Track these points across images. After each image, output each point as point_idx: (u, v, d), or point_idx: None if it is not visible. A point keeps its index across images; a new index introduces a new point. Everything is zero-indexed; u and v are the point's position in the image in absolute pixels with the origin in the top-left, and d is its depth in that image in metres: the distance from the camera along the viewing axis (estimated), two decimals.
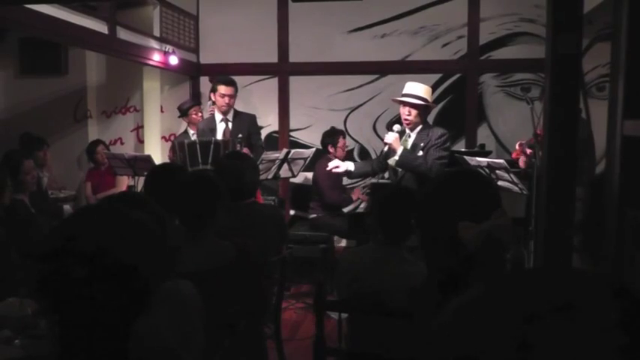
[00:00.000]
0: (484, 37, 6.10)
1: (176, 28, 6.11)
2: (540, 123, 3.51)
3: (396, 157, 4.07)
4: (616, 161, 2.86)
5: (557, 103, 2.57)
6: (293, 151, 4.72)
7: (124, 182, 5.84)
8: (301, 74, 6.39)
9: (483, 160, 4.15)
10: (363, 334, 2.35)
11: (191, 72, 6.49)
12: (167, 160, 6.09)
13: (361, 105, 6.35)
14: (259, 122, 5.54)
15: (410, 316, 1.57)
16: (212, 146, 4.39)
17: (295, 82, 6.45)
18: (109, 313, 1.05)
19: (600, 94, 4.63)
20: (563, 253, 2.62)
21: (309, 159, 4.85)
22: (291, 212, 6.21)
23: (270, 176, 4.58)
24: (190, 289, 1.79)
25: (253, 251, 2.42)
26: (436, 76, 6.18)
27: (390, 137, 4.09)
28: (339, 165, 4.45)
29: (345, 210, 5.24)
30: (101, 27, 4.90)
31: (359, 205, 5.55)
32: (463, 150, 5.50)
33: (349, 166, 4.49)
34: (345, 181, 5.94)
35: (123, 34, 5.17)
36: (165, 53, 5.66)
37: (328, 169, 4.51)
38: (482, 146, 5.76)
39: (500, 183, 3.96)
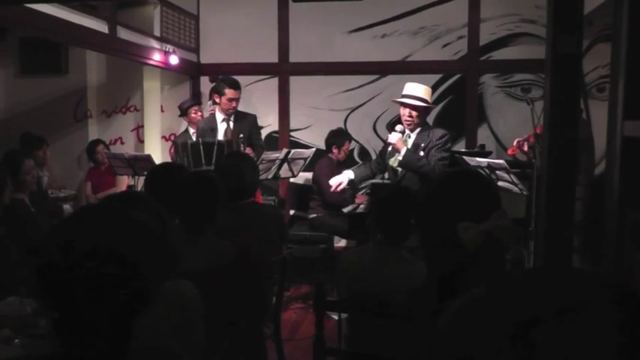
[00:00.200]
0: (484, 38, 6.10)
1: (176, 27, 6.11)
2: (540, 123, 3.51)
3: (400, 158, 4.07)
4: (616, 162, 2.86)
5: (558, 104, 2.57)
6: (293, 151, 4.71)
7: (124, 182, 5.84)
8: (301, 74, 6.39)
9: (483, 161, 4.15)
10: (363, 334, 2.35)
11: (191, 72, 6.49)
12: (167, 160, 6.10)
13: (361, 105, 6.35)
14: (259, 122, 5.53)
15: (410, 316, 1.57)
16: (215, 147, 4.39)
17: (295, 82, 6.45)
18: (109, 312, 1.05)
19: (600, 95, 4.63)
20: (563, 254, 2.62)
21: (309, 159, 4.85)
22: (291, 212, 6.21)
23: (270, 176, 4.58)
24: (190, 289, 1.79)
25: (253, 251, 2.42)
26: (436, 77, 6.18)
27: (394, 137, 4.09)
28: (341, 181, 4.47)
29: (345, 210, 5.25)
30: (101, 26, 4.90)
31: (359, 205, 5.55)
32: (463, 150, 5.50)
33: (350, 175, 4.49)
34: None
35: (123, 33, 5.17)
36: (166, 53, 5.66)
37: (332, 189, 4.53)
38: (483, 147, 5.76)
39: (500, 183, 3.96)
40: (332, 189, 4.51)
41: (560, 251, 2.62)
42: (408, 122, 4.14)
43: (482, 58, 6.13)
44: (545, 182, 2.65)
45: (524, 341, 0.51)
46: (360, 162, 5.96)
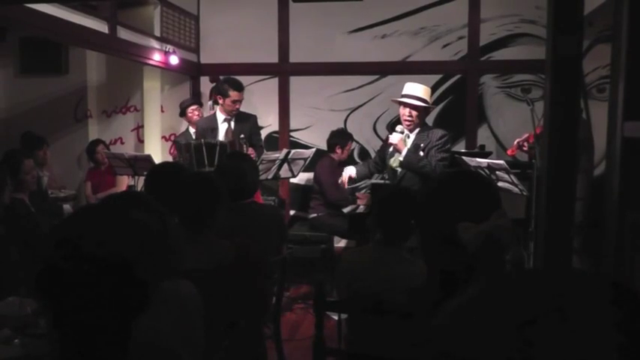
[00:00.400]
0: (484, 38, 6.09)
1: (176, 27, 6.11)
2: (540, 124, 3.51)
3: (401, 158, 4.07)
4: (616, 162, 2.86)
5: (558, 104, 2.58)
6: (293, 151, 4.72)
7: (124, 182, 5.84)
8: (301, 74, 6.39)
9: (483, 161, 4.15)
10: (363, 334, 2.35)
11: (191, 72, 6.49)
12: (167, 160, 6.10)
13: (361, 105, 6.35)
14: (259, 122, 5.54)
15: (410, 316, 1.57)
16: (217, 148, 4.39)
17: (295, 83, 6.45)
18: (109, 312, 1.06)
19: (600, 96, 4.64)
20: (563, 254, 2.62)
21: (309, 159, 4.85)
22: (291, 212, 6.22)
23: (270, 176, 4.58)
24: (190, 289, 1.79)
25: (253, 251, 2.42)
26: (436, 77, 6.18)
27: (395, 138, 4.09)
28: (350, 174, 4.49)
29: (345, 210, 5.25)
30: (102, 26, 4.90)
31: (359, 205, 5.56)
32: (463, 151, 5.50)
33: (352, 171, 4.50)
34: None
35: (123, 33, 5.17)
36: (166, 53, 5.66)
37: (343, 180, 4.56)
38: (483, 147, 5.76)
39: (500, 184, 3.96)
40: (342, 183, 4.54)
41: (560, 252, 2.62)
42: (408, 122, 4.14)
43: (482, 59, 6.13)
44: (545, 182, 2.66)
45: (522, 340, 0.51)
46: (360, 162, 5.96)
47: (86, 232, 1.06)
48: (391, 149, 4.20)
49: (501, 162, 4.07)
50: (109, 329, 1.07)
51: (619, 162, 2.88)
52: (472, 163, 4.18)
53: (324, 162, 5.47)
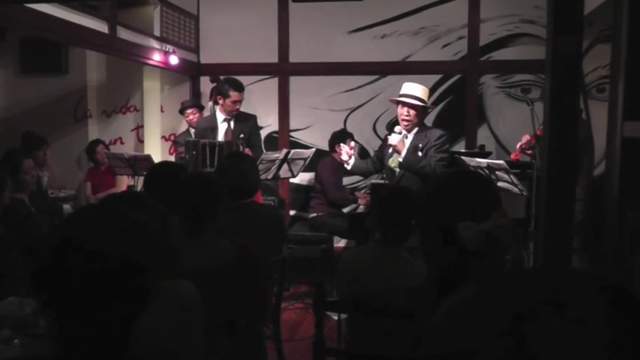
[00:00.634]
0: (484, 38, 6.10)
1: (176, 27, 6.11)
2: (540, 124, 3.51)
3: (400, 159, 4.06)
4: (616, 162, 2.86)
5: (558, 105, 2.58)
6: (293, 151, 4.72)
7: (123, 182, 5.84)
8: (301, 74, 6.39)
9: (483, 161, 4.15)
10: (363, 334, 2.35)
11: (191, 72, 6.49)
12: (167, 160, 6.10)
13: (361, 105, 6.35)
14: (259, 122, 5.54)
15: (410, 316, 1.57)
16: (217, 148, 4.41)
17: (295, 83, 6.45)
18: (108, 312, 1.05)
19: (600, 96, 4.64)
20: (563, 254, 2.62)
21: (309, 159, 4.86)
22: (291, 212, 6.22)
23: (269, 176, 4.58)
24: (190, 289, 1.79)
25: (253, 251, 2.42)
26: (436, 77, 6.18)
27: (395, 139, 4.08)
28: (351, 154, 4.47)
29: (345, 210, 5.25)
30: (101, 26, 4.91)
31: (359, 205, 5.57)
32: (463, 151, 5.50)
33: (352, 160, 4.49)
34: (346, 180, 5.96)
35: (123, 33, 5.17)
36: (166, 53, 5.66)
37: (345, 150, 4.54)
38: (482, 147, 5.76)
39: (500, 184, 3.96)
40: (345, 153, 4.52)
41: (560, 252, 2.62)
42: (406, 122, 4.13)
43: (482, 59, 6.13)
44: (545, 182, 2.66)
45: (515, 338, 0.51)
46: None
47: (86, 232, 1.06)
48: (390, 150, 4.19)
49: (501, 162, 4.08)
50: (109, 329, 1.07)
51: (619, 162, 2.88)
52: (472, 163, 4.18)
53: (325, 161, 5.48)
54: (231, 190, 2.86)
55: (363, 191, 6.09)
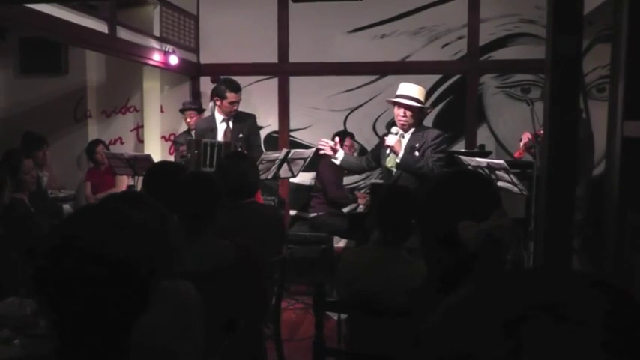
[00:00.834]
0: (484, 38, 6.10)
1: (176, 27, 6.11)
2: (541, 124, 3.51)
3: (398, 160, 4.05)
4: (616, 162, 2.86)
5: (558, 105, 2.58)
6: (293, 151, 4.72)
7: (123, 182, 5.84)
8: (301, 74, 6.39)
9: (483, 161, 4.15)
10: (363, 334, 2.35)
11: (191, 72, 6.49)
12: (166, 160, 6.10)
13: (361, 105, 6.35)
14: (259, 122, 5.54)
15: (409, 316, 1.57)
16: (215, 148, 4.41)
17: (295, 83, 6.45)
18: (108, 312, 1.05)
19: (600, 95, 4.64)
20: (563, 254, 2.62)
21: (308, 159, 4.85)
22: (291, 212, 6.22)
23: (269, 176, 4.58)
24: (190, 289, 1.79)
25: (253, 251, 2.42)
26: (436, 77, 6.18)
27: (392, 140, 4.07)
28: (332, 145, 4.37)
29: (345, 210, 5.26)
30: (101, 26, 4.91)
31: (359, 205, 5.58)
32: (463, 151, 5.51)
33: (340, 153, 4.44)
34: (346, 180, 5.97)
35: (123, 33, 5.17)
36: (165, 53, 5.66)
37: (320, 143, 4.44)
38: (482, 147, 5.76)
39: (499, 184, 3.96)
40: (320, 144, 4.43)
41: (560, 252, 2.62)
42: (402, 122, 4.12)
43: (481, 59, 6.13)
44: (545, 182, 2.66)
45: (512, 339, 0.51)
46: None
47: (86, 232, 1.06)
48: (388, 151, 4.17)
49: (501, 162, 4.07)
50: (109, 330, 1.07)
51: (619, 162, 2.88)
52: (472, 163, 4.18)
53: (326, 160, 5.49)
54: (230, 190, 2.87)
55: (362, 191, 6.10)
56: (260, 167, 4.12)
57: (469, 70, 6.14)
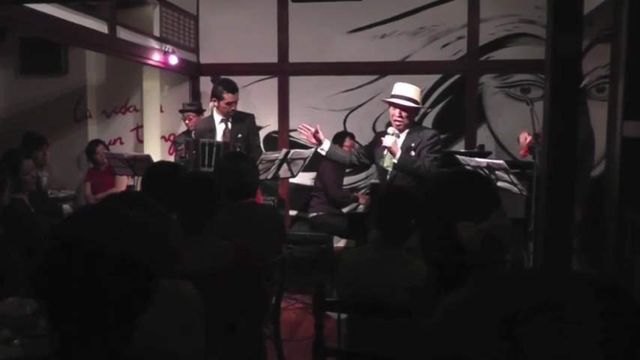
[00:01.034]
0: (484, 38, 6.10)
1: (176, 27, 6.11)
2: (540, 124, 3.51)
3: (395, 160, 4.05)
4: (616, 162, 2.86)
5: (558, 105, 2.58)
6: (292, 151, 4.71)
7: (123, 182, 5.83)
8: (301, 74, 6.39)
9: (483, 161, 4.15)
10: (363, 334, 2.35)
11: (191, 72, 6.49)
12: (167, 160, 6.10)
13: (361, 105, 6.35)
14: (259, 122, 5.54)
15: (409, 316, 1.57)
16: (214, 148, 4.41)
17: (295, 83, 6.45)
18: (108, 312, 1.05)
19: (600, 96, 4.63)
20: (562, 254, 2.62)
21: (308, 159, 4.85)
22: (291, 212, 6.22)
23: (269, 176, 4.58)
24: (190, 289, 1.79)
25: (253, 251, 2.42)
26: (436, 77, 6.18)
27: (389, 140, 4.06)
28: (313, 130, 4.35)
29: (345, 210, 5.26)
30: (101, 26, 4.91)
31: (358, 205, 5.59)
32: (462, 151, 5.51)
33: (326, 144, 4.43)
34: (346, 180, 5.97)
35: (123, 33, 5.17)
36: (165, 53, 5.66)
37: (300, 128, 4.43)
38: (482, 147, 5.77)
39: (499, 184, 3.96)
40: (300, 129, 4.42)
41: (560, 252, 2.62)
42: (398, 122, 4.12)
43: (481, 59, 6.13)
44: (545, 182, 2.66)
45: (510, 338, 0.52)
46: None
47: (86, 232, 1.06)
48: (385, 152, 4.16)
49: (501, 162, 4.08)
50: (109, 330, 1.07)
51: (619, 162, 2.88)
52: (471, 163, 4.18)
53: (327, 160, 5.50)
54: (230, 191, 2.86)
55: (362, 191, 6.10)
56: (260, 167, 4.12)
57: (469, 70, 6.14)
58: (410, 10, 6.19)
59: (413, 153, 4.05)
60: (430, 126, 5.76)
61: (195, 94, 6.54)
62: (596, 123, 4.61)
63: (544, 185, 2.68)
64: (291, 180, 5.66)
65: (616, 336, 0.51)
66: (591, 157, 4.58)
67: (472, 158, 4.28)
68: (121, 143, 6.67)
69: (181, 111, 6.07)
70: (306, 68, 6.32)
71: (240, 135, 4.75)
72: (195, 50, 6.57)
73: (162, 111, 6.35)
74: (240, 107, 5.02)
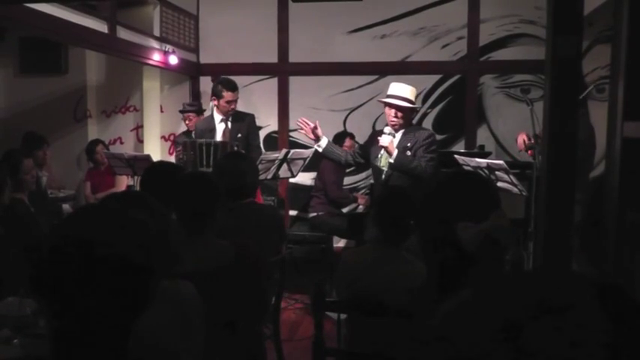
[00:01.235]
0: (484, 39, 6.10)
1: (176, 27, 6.11)
2: (540, 124, 3.51)
3: (391, 160, 4.05)
4: (616, 163, 2.86)
5: (557, 105, 2.58)
6: (292, 151, 4.71)
7: (123, 182, 5.83)
8: (301, 74, 6.39)
9: (483, 161, 4.15)
10: (362, 334, 2.35)
11: (191, 72, 6.49)
12: (167, 160, 6.10)
13: (361, 105, 6.35)
14: (259, 122, 5.53)
15: (409, 316, 1.57)
16: (212, 148, 4.41)
17: (295, 83, 6.45)
18: (108, 312, 1.05)
19: (600, 96, 4.63)
20: (562, 255, 2.62)
21: (308, 159, 4.85)
22: (291, 212, 6.22)
23: (269, 176, 4.58)
24: (190, 289, 1.79)
25: (253, 251, 2.42)
26: (436, 77, 6.19)
27: (386, 140, 4.06)
28: (312, 125, 4.35)
29: (345, 210, 5.26)
30: (101, 26, 4.91)
31: (358, 205, 5.59)
32: (462, 151, 5.51)
33: (324, 140, 4.42)
34: (346, 181, 5.97)
35: (123, 33, 5.17)
36: (165, 53, 5.66)
37: (299, 122, 4.43)
38: (482, 147, 5.77)
39: (499, 184, 3.96)
40: (300, 123, 4.42)
41: (560, 252, 2.62)
42: (394, 123, 4.12)
43: (481, 59, 6.13)
44: (545, 182, 2.66)
45: (512, 342, 0.51)
46: None
47: (86, 232, 1.06)
48: (382, 152, 4.16)
49: (501, 162, 4.08)
50: (109, 330, 1.07)
51: (619, 162, 2.88)
52: (471, 163, 4.18)
53: (328, 160, 5.50)
54: (229, 191, 2.86)
55: (362, 191, 6.10)
56: (259, 167, 4.12)
57: (469, 71, 6.14)
58: (410, 11, 6.19)
59: (409, 153, 4.05)
60: (430, 126, 5.77)
61: (196, 94, 6.54)
62: (596, 123, 4.61)
63: (544, 185, 2.68)
64: (291, 180, 5.66)
65: (619, 338, 0.51)
66: (591, 158, 4.59)
67: (472, 158, 4.28)
68: (121, 143, 6.67)
69: (181, 111, 6.08)
70: (306, 68, 6.32)
71: (239, 135, 4.75)
72: (196, 50, 6.57)
73: (162, 111, 6.35)
74: (240, 107, 5.02)
